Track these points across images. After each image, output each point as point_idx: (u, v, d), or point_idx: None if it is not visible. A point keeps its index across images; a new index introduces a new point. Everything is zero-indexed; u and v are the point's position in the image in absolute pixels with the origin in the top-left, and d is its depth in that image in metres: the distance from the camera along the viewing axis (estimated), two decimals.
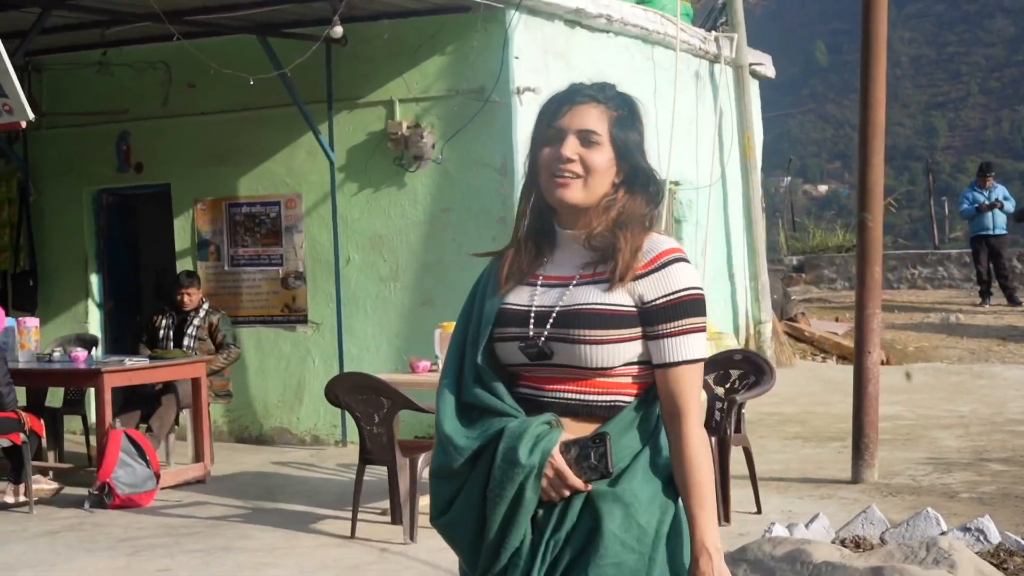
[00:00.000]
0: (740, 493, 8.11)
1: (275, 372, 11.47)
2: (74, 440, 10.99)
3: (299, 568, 7.09)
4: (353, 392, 7.69)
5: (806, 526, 6.73)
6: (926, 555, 5.84)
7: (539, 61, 10.86)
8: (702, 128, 13.71)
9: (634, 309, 2.73)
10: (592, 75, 11.82)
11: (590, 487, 2.69)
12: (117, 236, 12.66)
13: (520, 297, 2.83)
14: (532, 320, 2.78)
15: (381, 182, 10.96)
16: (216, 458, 10.32)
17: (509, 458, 2.67)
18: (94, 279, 12.45)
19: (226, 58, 10.88)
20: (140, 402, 9.98)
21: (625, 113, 2.83)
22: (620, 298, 2.73)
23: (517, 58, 10.54)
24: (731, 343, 13.17)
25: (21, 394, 10.09)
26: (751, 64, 14.63)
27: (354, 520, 7.71)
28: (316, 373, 11.13)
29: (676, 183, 13.23)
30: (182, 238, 11.84)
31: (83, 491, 8.96)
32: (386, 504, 8.15)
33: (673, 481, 2.74)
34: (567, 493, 2.69)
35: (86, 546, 7.74)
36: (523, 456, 2.66)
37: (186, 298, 10.37)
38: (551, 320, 2.76)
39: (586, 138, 2.78)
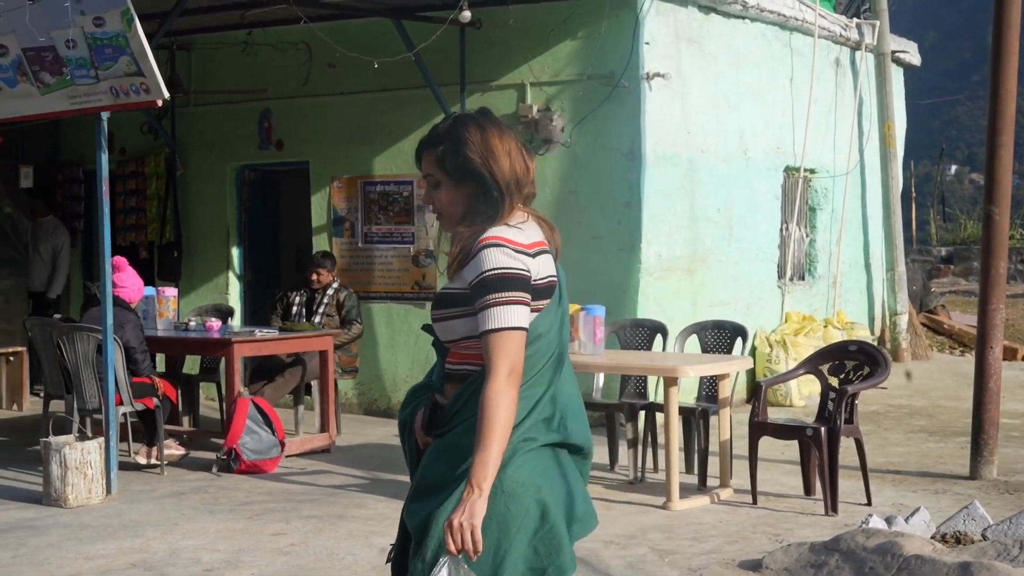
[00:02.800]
0: (853, 485, 8.08)
1: (404, 347, 11.72)
2: (210, 406, 11.39)
3: None
4: None
5: (906, 520, 6.69)
6: (1019, 553, 5.79)
7: (671, 47, 10.87)
8: (841, 116, 13.56)
9: (466, 291, 3.27)
10: (727, 61, 11.71)
11: (430, 439, 3.39)
12: (258, 211, 13.04)
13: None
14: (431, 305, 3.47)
15: None
16: (343, 429, 10.63)
17: (400, 416, 3.58)
18: (235, 252, 12.86)
19: (364, 41, 11.13)
20: (270, 373, 10.31)
21: (446, 145, 3.31)
22: (457, 283, 3.30)
23: (647, 44, 10.57)
24: (864, 334, 13.01)
25: (160, 361, 10.52)
26: (894, 51, 14.41)
27: None
28: None
29: (811, 171, 13.11)
30: (319, 214, 12.15)
31: (213, 456, 9.32)
32: None
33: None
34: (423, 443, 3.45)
35: (208, 508, 8.06)
36: (402, 415, 3.54)
37: (316, 277, 10.60)
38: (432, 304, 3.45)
39: (431, 183, 3.38)
